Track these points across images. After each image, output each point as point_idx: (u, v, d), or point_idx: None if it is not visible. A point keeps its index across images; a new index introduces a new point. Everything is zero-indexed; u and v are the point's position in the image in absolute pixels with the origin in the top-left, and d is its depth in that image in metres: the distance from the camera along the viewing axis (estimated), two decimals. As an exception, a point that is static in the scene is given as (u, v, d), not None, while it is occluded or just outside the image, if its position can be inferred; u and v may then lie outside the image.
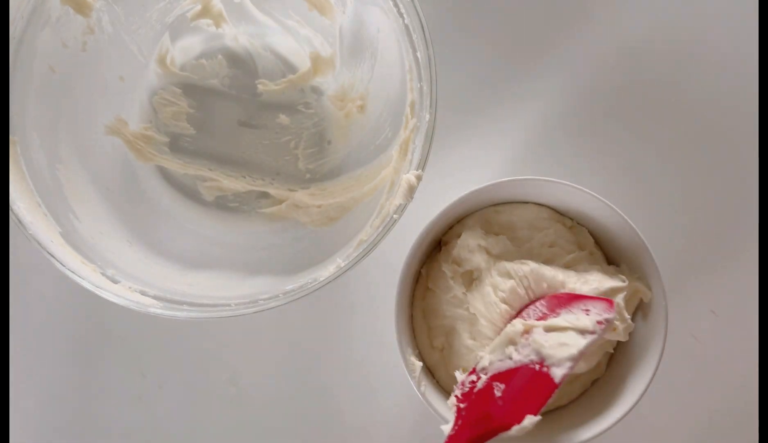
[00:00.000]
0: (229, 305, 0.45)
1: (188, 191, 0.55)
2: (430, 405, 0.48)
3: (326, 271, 0.44)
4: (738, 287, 0.58)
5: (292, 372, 0.58)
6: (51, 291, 0.59)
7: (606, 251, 0.54)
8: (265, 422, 0.58)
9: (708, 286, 0.58)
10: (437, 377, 0.52)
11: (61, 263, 0.44)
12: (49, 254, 0.43)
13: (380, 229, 0.44)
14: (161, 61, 0.52)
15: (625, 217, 0.49)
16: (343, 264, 0.44)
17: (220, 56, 0.54)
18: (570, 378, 0.52)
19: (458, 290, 0.51)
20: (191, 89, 0.55)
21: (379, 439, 0.57)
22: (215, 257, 0.51)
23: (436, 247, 0.55)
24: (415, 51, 0.44)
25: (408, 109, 0.45)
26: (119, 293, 0.44)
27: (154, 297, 0.45)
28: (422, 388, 0.49)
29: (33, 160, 0.46)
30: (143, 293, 0.45)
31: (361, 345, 0.58)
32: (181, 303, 0.45)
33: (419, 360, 0.51)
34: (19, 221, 0.43)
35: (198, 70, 0.54)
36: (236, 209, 0.55)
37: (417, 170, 0.44)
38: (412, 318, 0.54)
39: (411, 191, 0.44)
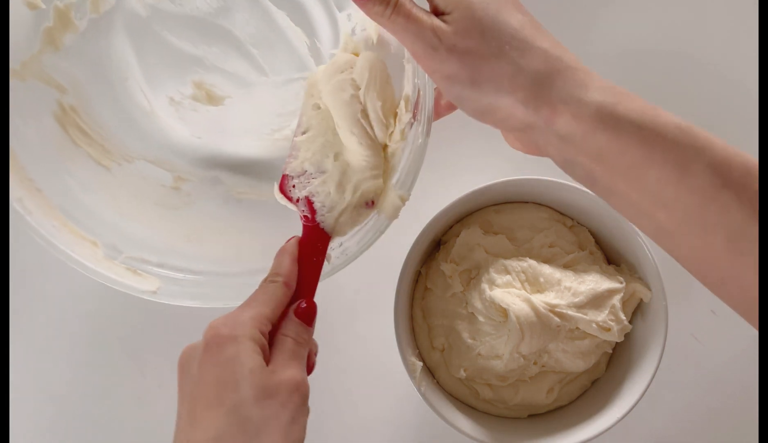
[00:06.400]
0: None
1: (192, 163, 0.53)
2: (430, 405, 0.48)
3: None
4: (738, 288, 0.58)
5: (292, 372, 0.58)
6: (51, 291, 0.59)
7: (606, 251, 0.54)
8: (265, 422, 0.57)
9: (708, 286, 0.58)
10: (437, 377, 0.52)
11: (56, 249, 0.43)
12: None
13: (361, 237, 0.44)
14: None
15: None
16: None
17: None
18: (570, 378, 0.52)
19: (457, 289, 0.51)
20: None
21: (379, 439, 0.57)
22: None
23: (436, 247, 0.55)
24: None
25: (403, 104, 0.44)
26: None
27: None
28: (422, 388, 0.49)
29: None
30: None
31: (361, 345, 0.58)
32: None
33: (419, 360, 0.50)
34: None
35: None
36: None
37: (404, 192, 0.42)
38: (412, 318, 0.53)
39: (396, 211, 0.42)
